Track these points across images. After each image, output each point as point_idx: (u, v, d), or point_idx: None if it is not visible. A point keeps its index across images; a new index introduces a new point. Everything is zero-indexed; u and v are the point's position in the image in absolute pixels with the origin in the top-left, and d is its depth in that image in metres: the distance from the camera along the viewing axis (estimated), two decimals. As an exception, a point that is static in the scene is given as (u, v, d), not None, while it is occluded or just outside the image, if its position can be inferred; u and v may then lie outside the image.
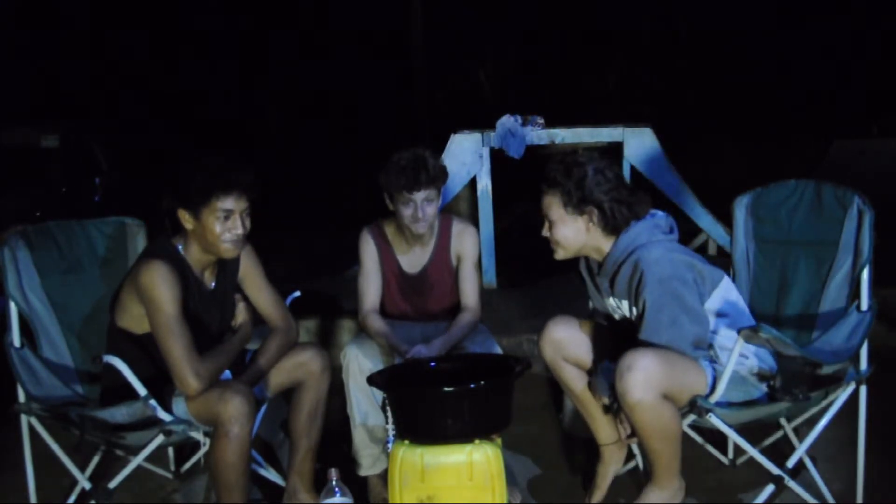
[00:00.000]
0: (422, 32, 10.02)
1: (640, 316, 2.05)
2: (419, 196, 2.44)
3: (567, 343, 2.28)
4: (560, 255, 2.19)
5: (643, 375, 1.92)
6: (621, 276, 2.11)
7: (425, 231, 2.53)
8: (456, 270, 2.64)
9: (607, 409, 2.26)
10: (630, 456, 2.44)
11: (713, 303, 2.10)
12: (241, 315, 2.35)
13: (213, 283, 2.28)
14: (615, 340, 2.28)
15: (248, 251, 2.34)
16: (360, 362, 2.38)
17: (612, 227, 2.11)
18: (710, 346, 2.11)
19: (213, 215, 2.11)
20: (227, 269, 2.31)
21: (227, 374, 2.21)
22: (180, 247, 2.20)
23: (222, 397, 2.01)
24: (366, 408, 2.41)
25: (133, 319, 2.18)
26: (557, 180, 2.10)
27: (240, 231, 2.16)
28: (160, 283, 2.05)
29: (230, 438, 1.99)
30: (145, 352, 2.17)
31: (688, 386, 2.01)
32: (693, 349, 2.02)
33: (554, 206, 2.13)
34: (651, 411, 1.95)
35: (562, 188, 2.10)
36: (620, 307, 2.19)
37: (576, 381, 2.32)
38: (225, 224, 2.13)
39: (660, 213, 2.19)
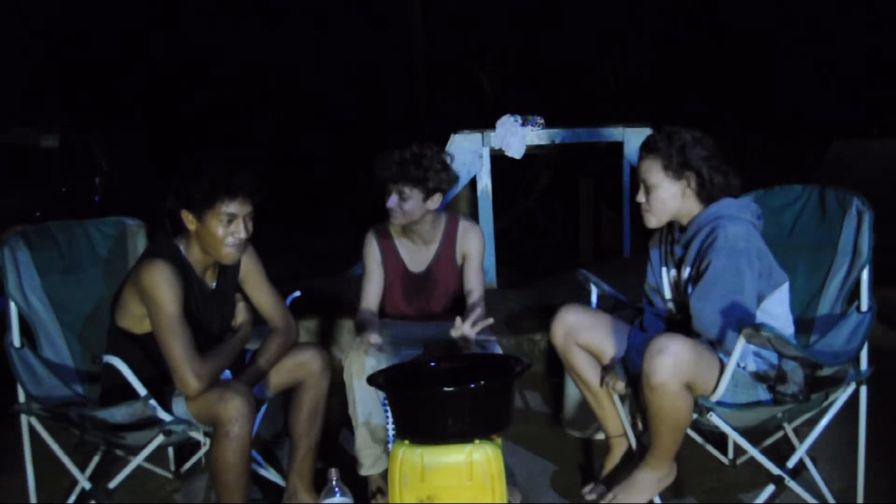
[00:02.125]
0: (422, 32, 10.02)
1: (698, 278, 2.07)
2: (395, 187, 2.46)
3: (579, 328, 2.31)
4: (652, 222, 2.21)
5: (672, 360, 1.93)
6: (697, 239, 2.12)
7: (400, 222, 2.53)
8: (461, 269, 2.64)
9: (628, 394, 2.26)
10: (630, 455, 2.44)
11: (771, 303, 2.11)
12: (241, 315, 2.35)
13: (215, 284, 2.29)
14: (631, 330, 2.30)
15: (249, 251, 2.35)
16: (361, 361, 2.38)
17: (707, 194, 2.14)
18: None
19: (217, 219, 2.12)
20: (228, 269, 2.31)
21: (227, 374, 2.21)
22: (182, 247, 2.21)
23: (222, 397, 2.01)
24: (369, 407, 2.40)
25: (134, 319, 2.18)
26: (658, 145, 2.15)
27: (242, 235, 2.16)
28: (162, 283, 2.06)
29: (230, 438, 1.99)
30: (145, 352, 2.17)
31: (709, 381, 2.02)
32: (725, 329, 2.01)
33: (654, 170, 2.16)
34: (671, 398, 1.96)
35: (663, 153, 2.14)
36: (682, 275, 2.20)
37: (585, 367, 2.33)
38: (228, 228, 2.14)
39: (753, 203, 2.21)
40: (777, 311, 2.13)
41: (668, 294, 2.29)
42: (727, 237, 2.03)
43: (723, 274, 2.02)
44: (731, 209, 2.12)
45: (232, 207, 2.13)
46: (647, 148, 2.19)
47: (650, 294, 2.37)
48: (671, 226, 2.27)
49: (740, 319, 2.00)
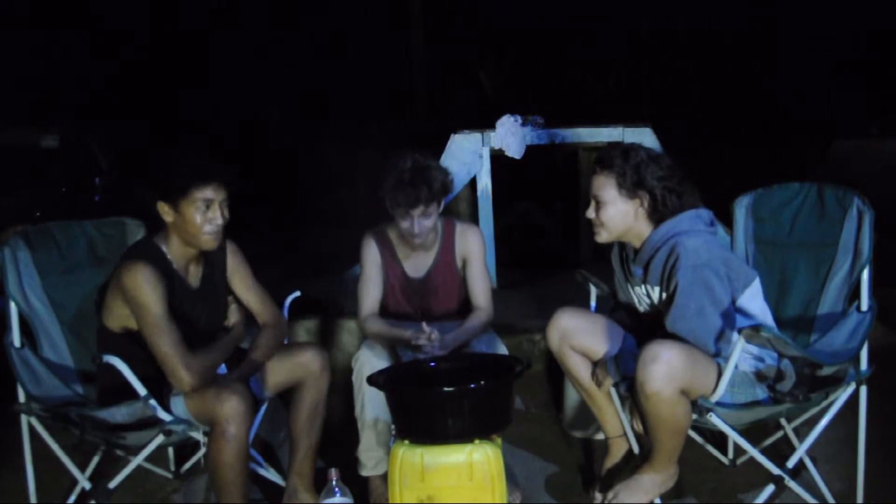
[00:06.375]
0: (422, 32, 10.02)
1: (669, 301, 2.06)
2: (416, 212, 2.42)
3: (574, 332, 2.29)
4: (603, 237, 2.20)
5: (666, 368, 1.92)
6: (657, 261, 2.11)
7: (423, 241, 2.52)
8: (463, 272, 2.63)
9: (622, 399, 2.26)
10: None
11: (745, 301, 2.10)
12: (233, 315, 2.36)
13: (198, 280, 2.28)
14: (625, 333, 2.29)
15: (233, 250, 2.35)
16: (373, 364, 2.36)
17: (660, 214, 2.12)
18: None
19: (194, 206, 2.12)
20: (212, 265, 2.31)
21: (223, 367, 2.22)
22: (162, 245, 2.21)
23: (219, 397, 2.01)
24: (378, 411, 2.39)
25: (120, 319, 2.18)
26: (614, 162, 2.12)
27: (220, 221, 2.17)
28: (144, 285, 2.06)
29: (227, 438, 1.99)
30: (144, 351, 2.17)
31: (706, 385, 2.01)
32: (714, 343, 2.01)
33: (607, 187, 2.14)
34: (666, 405, 1.95)
35: (618, 170, 2.11)
36: (651, 295, 2.19)
37: (581, 370, 2.32)
38: (205, 215, 2.14)
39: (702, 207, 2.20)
40: (751, 307, 2.12)
41: (641, 309, 2.28)
42: (687, 254, 2.01)
43: (692, 291, 2.00)
44: (682, 224, 2.10)
45: (207, 192, 2.13)
46: (601, 163, 2.15)
47: (618, 315, 2.37)
48: (623, 244, 2.26)
49: (720, 329, 2.00)
